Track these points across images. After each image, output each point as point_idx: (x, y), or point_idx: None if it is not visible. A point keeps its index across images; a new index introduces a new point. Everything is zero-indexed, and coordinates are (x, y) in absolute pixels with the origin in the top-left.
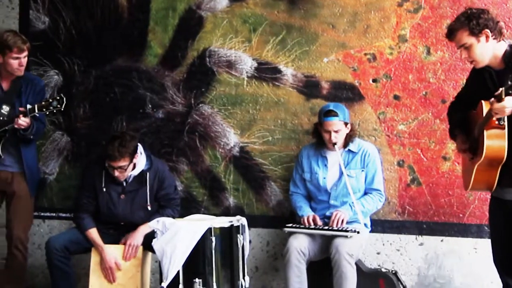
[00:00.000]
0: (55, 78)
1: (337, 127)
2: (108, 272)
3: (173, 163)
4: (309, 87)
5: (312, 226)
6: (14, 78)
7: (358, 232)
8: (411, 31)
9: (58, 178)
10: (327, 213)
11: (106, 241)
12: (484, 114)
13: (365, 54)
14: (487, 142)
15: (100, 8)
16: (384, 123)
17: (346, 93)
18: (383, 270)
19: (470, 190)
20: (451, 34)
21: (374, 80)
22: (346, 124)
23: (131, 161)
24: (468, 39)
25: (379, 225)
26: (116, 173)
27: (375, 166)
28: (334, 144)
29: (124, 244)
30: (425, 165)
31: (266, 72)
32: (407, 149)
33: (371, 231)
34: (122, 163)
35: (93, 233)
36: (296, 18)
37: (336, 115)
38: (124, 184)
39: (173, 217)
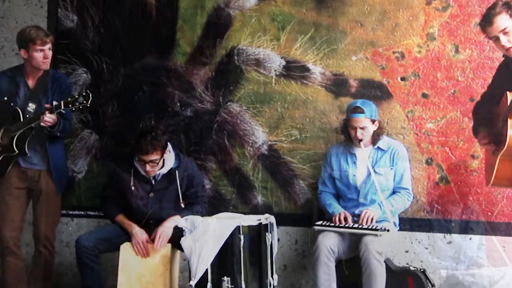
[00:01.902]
0: (83, 77)
1: (364, 124)
2: (140, 247)
3: (202, 162)
4: (337, 85)
5: (342, 224)
6: (40, 75)
7: (387, 231)
8: (439, 29)
9: (87, 176)
10: (356, 211)
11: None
12: (508, 103)
13: (394, 52)
14: (510, 132)
15: (129, 6)
16: (413, 121)
17: (375, 92)
18: (412, 268)
19: (492, 185)
20: (489, 20)
21: (403, 79)
22: (373, 121)
23: (162, 155)
24: (509, 23)
25: (407, 223)
26: (148, 167)
27: (404, 164)
28: (360, 140)
29: (154, 236)
30: (454, 163)
31: (295, 71)
32: (436, 147)
33: (400, 230)
34: (154, 156)
35: (121, 217)
36: (324, 16)
37: (362, 111)
38: (153, 182)
39: (202, 215)
